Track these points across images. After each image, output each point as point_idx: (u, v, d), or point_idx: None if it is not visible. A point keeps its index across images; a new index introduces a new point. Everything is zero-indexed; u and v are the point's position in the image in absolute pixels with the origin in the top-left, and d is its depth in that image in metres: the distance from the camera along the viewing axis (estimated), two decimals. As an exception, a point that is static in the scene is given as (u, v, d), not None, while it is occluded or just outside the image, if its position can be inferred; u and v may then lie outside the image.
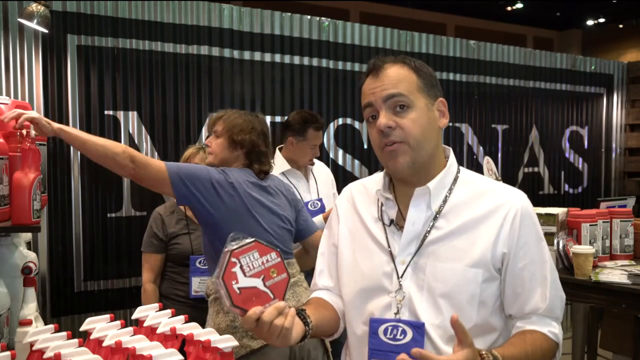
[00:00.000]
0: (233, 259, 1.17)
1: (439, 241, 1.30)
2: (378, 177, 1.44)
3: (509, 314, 1.34)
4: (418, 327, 1.25)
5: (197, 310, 2.60)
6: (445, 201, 1.32)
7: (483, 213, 1.30)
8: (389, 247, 1.33)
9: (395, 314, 1.28)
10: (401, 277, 1.30)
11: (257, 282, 1.19)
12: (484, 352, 1.16)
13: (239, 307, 1.17)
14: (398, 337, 1.26)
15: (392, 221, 1.35)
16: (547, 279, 1.32)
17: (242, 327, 2.06)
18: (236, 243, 1.19)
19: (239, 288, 1.17)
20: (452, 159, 1.38)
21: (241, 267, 1.18)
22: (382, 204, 1.39)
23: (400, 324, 1.26)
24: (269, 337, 1.19)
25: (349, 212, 1.45)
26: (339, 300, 1.45)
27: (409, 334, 1.25)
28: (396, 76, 1.30)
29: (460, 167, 1.40)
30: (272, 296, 1.21)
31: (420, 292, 1.28)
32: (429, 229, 1.31)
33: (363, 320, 1.34)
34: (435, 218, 1.31)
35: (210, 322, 2.19)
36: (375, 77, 1.32)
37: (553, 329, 1.31)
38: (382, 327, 1.27)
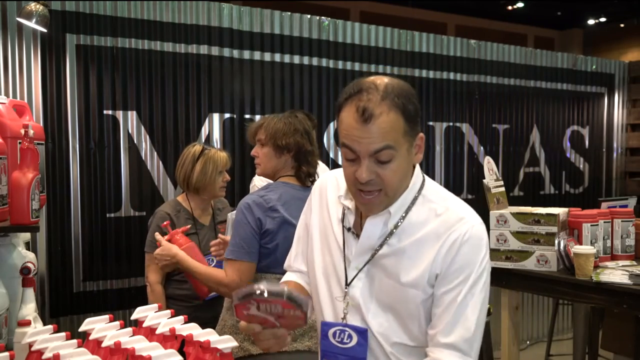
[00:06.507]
0: (252, 301, 1.14)
1: (387, 257, 1.31)
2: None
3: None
4: (362, 333, 1.30)
5: (202, 310, 2.59)
6: (401, 219, 1.31)
7: (431, 235, 1.28)
8: (345, 251, 1.36)
9: (342, 318, 1.32)
10: (351, 283, 1.33)
11: (269, 317, 1.18)
12: None
13: (241, 319, 1.18)
14: (345, 340, 1.31)
15: (349, 228, 1.37)
16: (463, 314, 1.22)
17: None
18: (266, 290, 1.13)
19: (247, 314, 1.17)
20: (416, 176, 1.33)
21: (258, 307, 1.15)
22: (345, 208, 1.39)
23: (346, 329, 1.32)
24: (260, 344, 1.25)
25: (320, 205, 1.47)
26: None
27: (354, 339, 1.30)
28: (385, 126, 1.19)
29: (426, 183, 1.35)
30: (277, 325, 1.19)
31: (370, 299, 1.31)
32: (381, 244, 1.31)
33: (321, 318, 1.40)
34: (390, 234, 1.31)
35: (221, 317, 2.21)
36: (363, 123, 1.19)
37: None
38: (331, 330, 1.33)
